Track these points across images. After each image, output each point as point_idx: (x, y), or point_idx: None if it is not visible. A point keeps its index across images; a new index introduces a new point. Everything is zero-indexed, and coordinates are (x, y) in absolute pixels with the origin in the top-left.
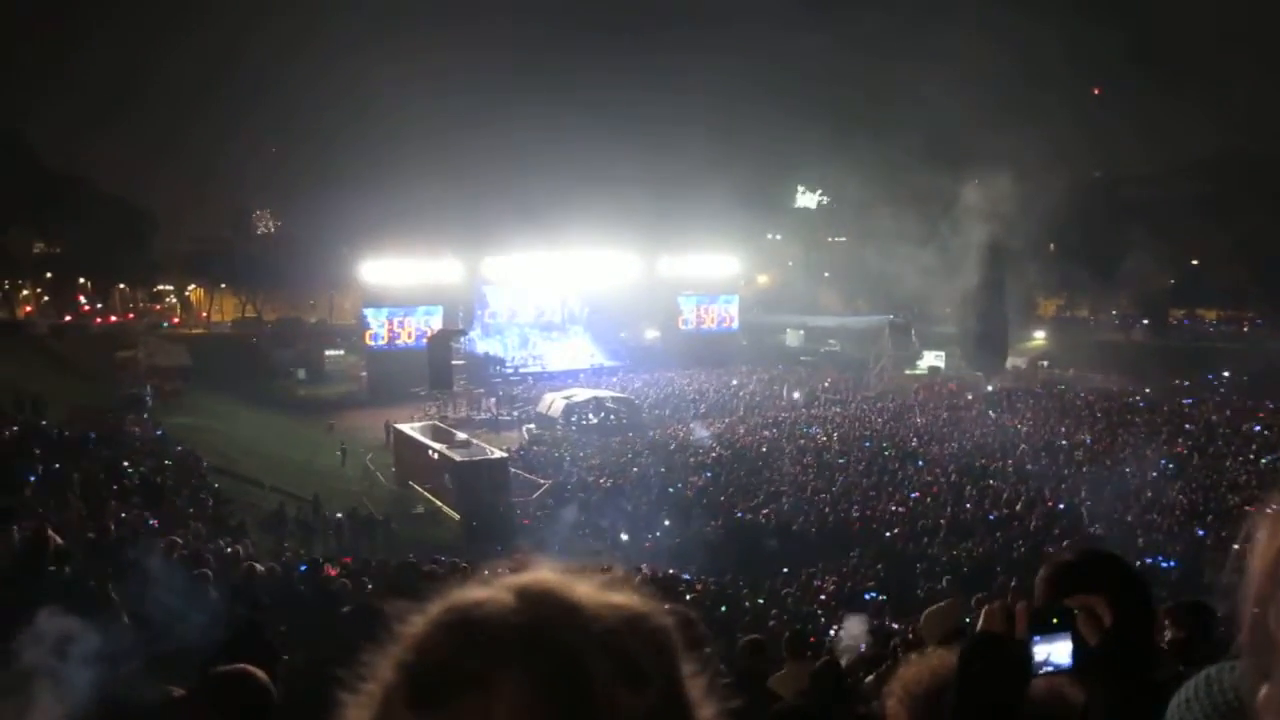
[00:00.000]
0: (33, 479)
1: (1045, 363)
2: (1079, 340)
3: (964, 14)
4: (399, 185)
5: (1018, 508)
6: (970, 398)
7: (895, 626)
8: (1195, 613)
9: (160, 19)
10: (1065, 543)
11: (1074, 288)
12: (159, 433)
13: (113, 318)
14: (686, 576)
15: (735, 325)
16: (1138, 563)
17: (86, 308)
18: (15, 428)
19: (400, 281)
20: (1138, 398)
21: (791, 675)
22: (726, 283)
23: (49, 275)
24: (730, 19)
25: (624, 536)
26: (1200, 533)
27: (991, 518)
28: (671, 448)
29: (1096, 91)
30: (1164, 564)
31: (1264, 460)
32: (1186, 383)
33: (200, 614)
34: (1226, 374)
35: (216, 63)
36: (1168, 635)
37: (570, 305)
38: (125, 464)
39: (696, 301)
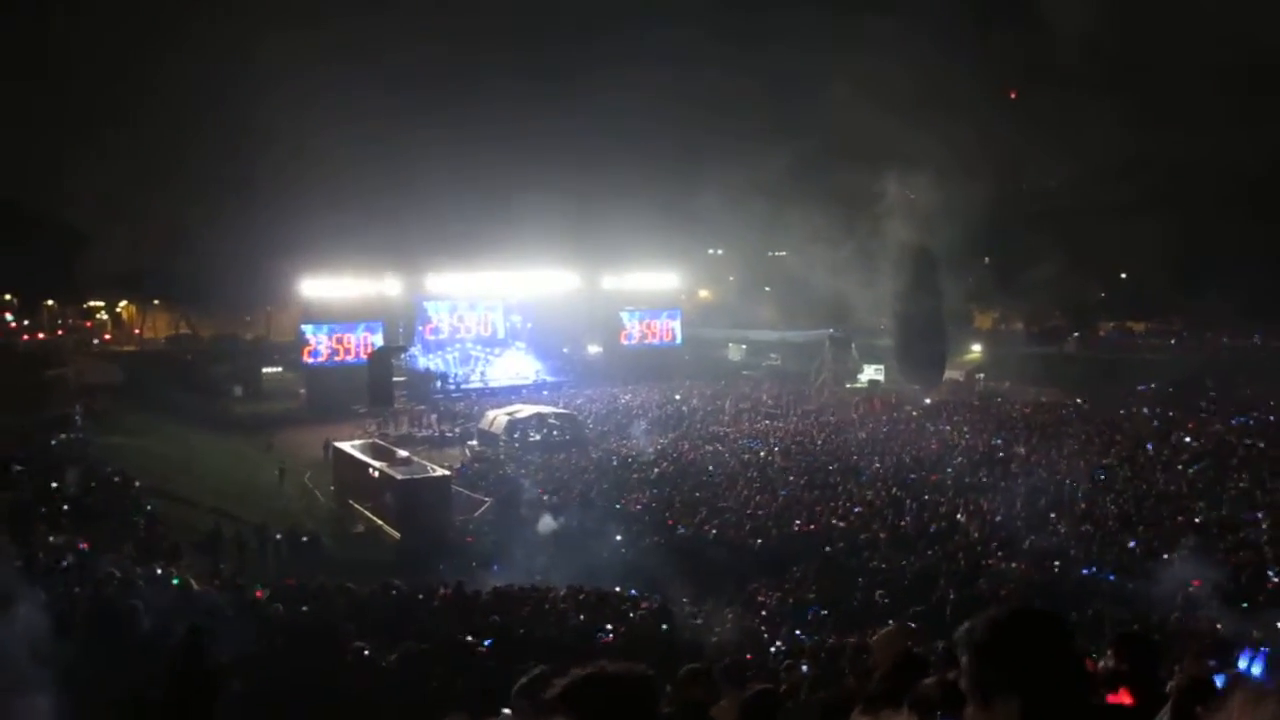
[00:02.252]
0: None
1: (981, 375)
2: (1013, 353)
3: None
4: (339, 202)
5: (957, 519)
6: (910, 410)
7: (849, 641)
8: (1138, 645)
9: (92, 33)
10: (1001, 553)
11: (1007, 301)
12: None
13: (41, 335)
14: (632, 594)
15: (678, 340)
16: (1074, 573)
17: (13, 325)
18: None
19: (340, 297)
20: (1070, 409)
21: (732, 706)
22: (668, 297)
23: None
24: (651, 33)
25: (567, 554)
26: (1131, 544)
27: (932, 530)
28: (615, 463)
29: (1013, 96)
30: (1101, 576)
31: (1191, 470)
32: (1117, 394)
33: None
34: (1154, 385)
35: (150, 78)
36: (1110, 665)
37: (512, 321)
38: (54, 486)
39: (639, 316)
